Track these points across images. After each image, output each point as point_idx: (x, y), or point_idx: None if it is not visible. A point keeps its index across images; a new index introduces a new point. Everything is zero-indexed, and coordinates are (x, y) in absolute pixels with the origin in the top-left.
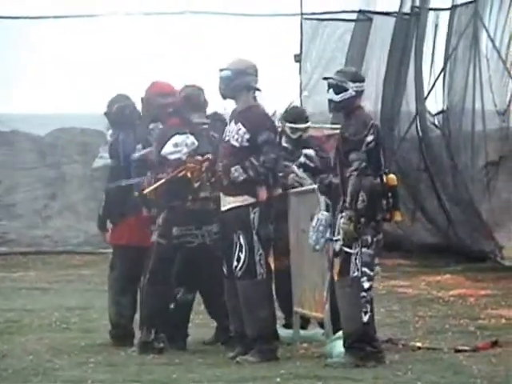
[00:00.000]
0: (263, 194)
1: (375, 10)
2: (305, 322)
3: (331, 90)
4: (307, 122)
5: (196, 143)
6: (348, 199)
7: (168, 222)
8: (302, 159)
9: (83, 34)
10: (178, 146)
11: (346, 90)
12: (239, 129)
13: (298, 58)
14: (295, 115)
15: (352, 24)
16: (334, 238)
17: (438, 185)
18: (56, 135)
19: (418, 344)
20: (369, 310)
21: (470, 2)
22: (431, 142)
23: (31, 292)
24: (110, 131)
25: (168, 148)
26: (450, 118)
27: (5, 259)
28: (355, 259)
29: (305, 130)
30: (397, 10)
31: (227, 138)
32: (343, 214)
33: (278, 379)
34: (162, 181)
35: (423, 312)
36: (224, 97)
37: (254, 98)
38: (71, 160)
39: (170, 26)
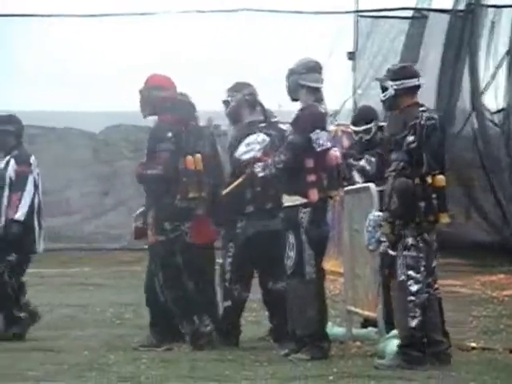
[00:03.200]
0: (314, 195)
1: (430, 7)
2: (366, 322)
3: (381, 91)
4: (370, 123)
5: (267, 140)
6: (386, 200)
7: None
8: (362, 162)
9: (137, 31)
10: (249, 145)
11: (387, 89)
12: (287, 127)
13: (351, 56)
14: (354, 116)
15: (407, 21)
16: (382, 240)
17: (494, 183)
18: (109, 132)
19: (473, 344)
20: (418, 314)
21: None
22: (489, 140)
23: (86, 288)
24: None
25: (241, 149)
26: (510, 115)
27: (59, 255)
28: (400, 263)
29: (365, 131)
30: (452, 7)
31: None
32: (383, 215)
33: (331, 377)
34: (239, 180)
35: (477, 312)
36: (292, 98)
37: (318, 96)
38: (123, 157)
39: (224, 23)
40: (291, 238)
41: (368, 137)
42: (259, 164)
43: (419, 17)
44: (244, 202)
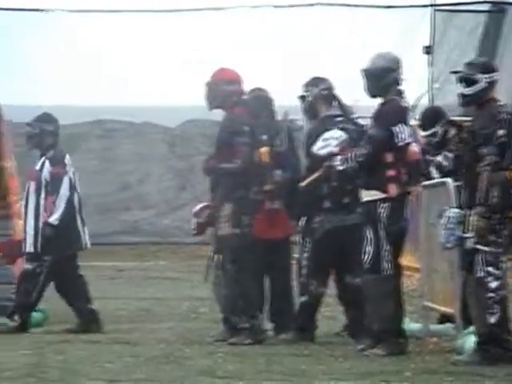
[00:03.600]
0: (393, 190)
1: (509, 0)
2: (443, 317)
3: (461, 84)
4: (435, 125)
5: (344, 136)
6: (480, 195)
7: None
8: (439, 158)
9: (211, 26)
10: (326, 140)
11: (476, 82)
12: (370, 122)
13: (428, 50)
14: (419, 120)
15: (484, 15)
16: (466, 236)
17: None
18: (186, 127)
19: None
20: (497, 310)
21: None
22: None
23: (161, 281)
24: None
25: (318, 144)
26: None
27: (135, 248)
28: (479, 259)
29: (432, 135)
30: None
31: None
32: (475, 210)
33: (408, 373)
34: (317, 174)
35: None
36: (372, 95)
37: (399, 91)
38: (200, 151)
39: (299, 18)
40: (369, 233)
41: (436, 139)
42: (338, 158)
43: (496, 10)
44: (321, 197)
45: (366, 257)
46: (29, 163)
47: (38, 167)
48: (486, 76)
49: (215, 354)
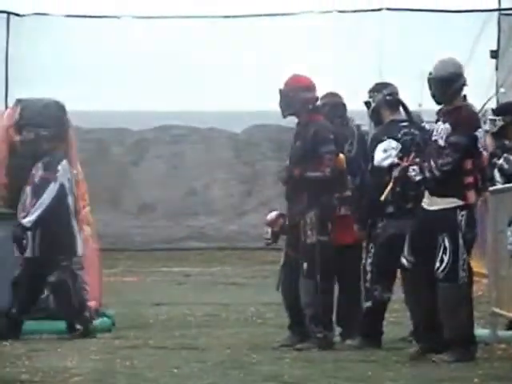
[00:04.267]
0: (472, 197)
1: None
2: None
3: None
4: (510, 115)
5: (399, 145)
6: None
7: (323, 219)
8: (501, 161)
9: (280, 30)
10: (386, 151)
11: None
12: (447, 128)
13: (494, 54)
14: (498, 106)
15: None
16: None
17: None
18: (251, 132)
19: None
20: None
21: None
22: None
23: (228, 287)
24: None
25: (378, 155)
26: None
27: (202, 254)
28: None
29: (506, 124)
30: None
31: (435, 138)
32: None
33: (476, 380)
34: (390, 187)
35: None
36: (439, 102)
37: (464, 96)
38: (266, 157)
39: (364, 22)
40: (446, 242)
41: (495, 129)
42: (413, 168)
43: None
44: (385, 202)
45: (442, 265)
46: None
47: (33, 172)
48: None
49: (282, 359)
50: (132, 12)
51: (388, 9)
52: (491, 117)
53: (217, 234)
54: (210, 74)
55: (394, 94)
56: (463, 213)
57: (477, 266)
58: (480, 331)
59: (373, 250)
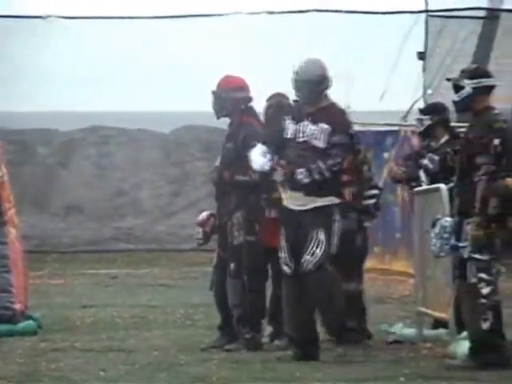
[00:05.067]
0: (347, 194)
1: (502, 7)
2: (436, 323)
3: (453, 91)
4: (437, 115)
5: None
6: (478, 205)
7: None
8: (425, 161)
9: (208, 32)
10: (265, 155)
11: (463, 87)
12: (325, 129)
13: (421, 56)
14: (426, 106)
15: (479, 21)
16: (461, 245)
17: None
18: (180, 133)
19: None
20: (490, 316)
21: None
22: None
23: (156, 288)
24: None
25: (259, 160)
26: None
27: (130, 255)
28: (471, 265)
29: (433, 124)
30: None
31: (305, 139)
32: (471, 219)
33: (402, 379)
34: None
35: None
36: (306, 103)
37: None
38: (194, 158)
39: (291, 23)
40: (320, 235)
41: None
42: (300, 171)
43: (491, 17)
44: None
45: (313, 258)
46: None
47: None
48: (474, 82)
49: (210, 360)
50: (60, 12)
51: (316, 10)
52: (418, 116)
53: (145, 235)
54: (139, 74)
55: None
56: (339, 210)
57: (404, 265)
58: (406, 331)
59: None
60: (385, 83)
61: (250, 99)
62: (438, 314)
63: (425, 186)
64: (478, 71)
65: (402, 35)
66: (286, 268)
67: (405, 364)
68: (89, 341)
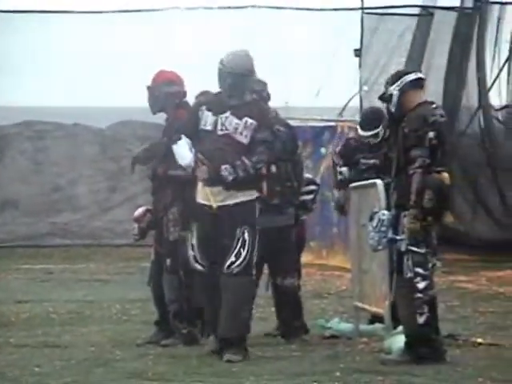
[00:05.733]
0: (265, 188)
1: (437, 4)
2: (373, 318)
3: (388, 104)
4: (378, 127)
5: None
6: (413, 197)
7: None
8: (344, 169)
9: (144, 27)
10: (192, 149)
11: (391, 94)
12: (249, 124)
13: (358, 53)
14: (361, 121)
15: (413, 19)
16: (398, 238)
17: (500, 180)
18: (117, 128)
19: (479, 340)
20: (426, 310)
21: None
22: (495, 137)
23: (92, 284)
24: None
25: (188, 155)
26: None
27: (66, 251)
28: (407, 260)
29: (374, 136)
30: (458, 4)
31: (226, 132)
32: (408, 212)
33: (338, 373)
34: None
35: (484, 307)
36: (231, 95)
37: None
38: (131, 153)
39: (231, 20)
40: (246, 235)
41: (376, 140)
42: (225, 167)
43: (425, 14)
44: None
45: (239, 259)
46: None
47: None
48: (396, 84)
49: (146, 356)
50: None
51: (253, 6)
52: (363, 133)
53: (81, 230)
54: (75, 69)
55: (254, 90)
56: (258, 205)
57: (341, 260)
58: (343, 325)
59: None
60: (321, 80)
61: (184, 94)
62: (374, 309)
63: (362, 182)
64: (397, 74)
65: (338, 32)
66: (198, 266)
67: (341, 359)
68: (24, 336)
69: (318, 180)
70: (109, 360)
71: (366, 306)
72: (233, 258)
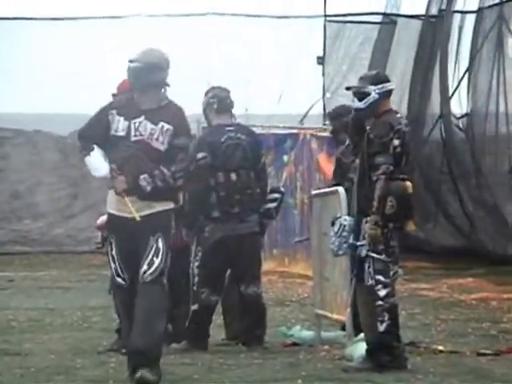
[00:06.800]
0: (180, 199)
1: (399, 12)
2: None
3: (355, 99)
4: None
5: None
6: (375, 203)
7: None
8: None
9: (107, 34)
10: (106, 159)
11: (369, 94)
12: (166, 129)
13: (320, 60)
14: (331, 111)
15: (376, 26)
16: (359, 244)
17: (461, 188)
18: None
19: (440, 347)
20: (386, 318)
21: (496, 5)
22: (455, 145)
23: (53, 291)
24: None
25: (104, 166)
26: (473, 121)
27: (27, 258)
28: (368, 267)
29: (335, 130)
30: (421, 12)
31: (139, 138)
32: (369, 218)
33: (300, 381)
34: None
35: (445, 315)
36: (142, 91)
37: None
38: None
39: (192, 27)
40: (160, 242)
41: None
42: (144, 177)
43: (388, 22)
44: (210, 206)
45: (152, 267)
46: None
47: None
48: (377, 87)
49: (107, 363)
50: None
51: (214, 13)
52: (328, 122)
53: (42, 237)
54: (36, 75)
55: (216, 96)
56: (173, 216)
57: (303, 268)
58: (304, 333)
59: (200, 254)
60: (283, 87)
61: None
62: (335, 316)
63: (322, 190)
64: (379, 76)
65: (301, 40)
66: (119, 279)
67: (302, 366)
68: None
69: (281, 188)
70: (69, 368)
71: (328, 314)
72: (145, 267)
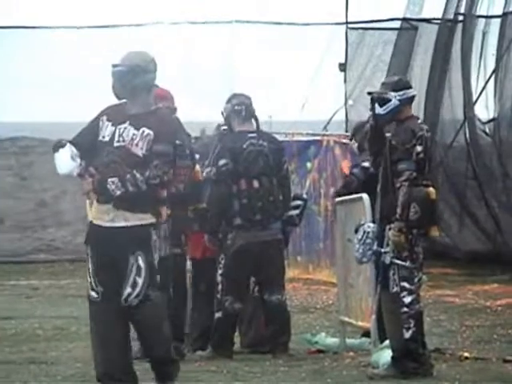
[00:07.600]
0: (165, 213)
1: (419, 17)
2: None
3: (376, 105)
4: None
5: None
6: (399, 210)
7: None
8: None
9: (130, 41)
10: (73, 159)
11: (390, 100)
12: (147, 134)
13: (342, 67)
14: (352, 129)
15: (396, 32)
16: (383, 250)
17: (487, 193)
18: None
19: (466, 354)
20: (412, 325)
21: None
22: (481, 150)
23: (78, 299)
24: None
25: (71, 164)
26: (500, 125)
27: (52, 266)
28: (393, 274)
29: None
30: (439, 16)
31: (121, 144)
32: (393, 225)
33: None
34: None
35: (470, 321)
36: (119, 97)
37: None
38: None
39: (215, 34)
40: (140, 261)
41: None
42: (112, 181)
43: (408, 27)
44: (232, 214)
45: (136, 290)
46: None
47: None
48: (399, 93)
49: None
50: None
51: (237, 21)
52: (352, 141)
53: (67, 246)
54: (59, 85)
55: (242, 104)
56: (156, 231)
57: (327, 275)
58: (329, 340)
59: (223, 262)
60: (306, 94)
61: (174, 110)
62: (360, 323)
63: (347, 197)
64: (401, 82)
65: (323, 46)
66: (93, 293)
67: (328, 373)
68: (9, 353)
69: (304, 195)
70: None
71: (352, 321)
72: (129, 289)
